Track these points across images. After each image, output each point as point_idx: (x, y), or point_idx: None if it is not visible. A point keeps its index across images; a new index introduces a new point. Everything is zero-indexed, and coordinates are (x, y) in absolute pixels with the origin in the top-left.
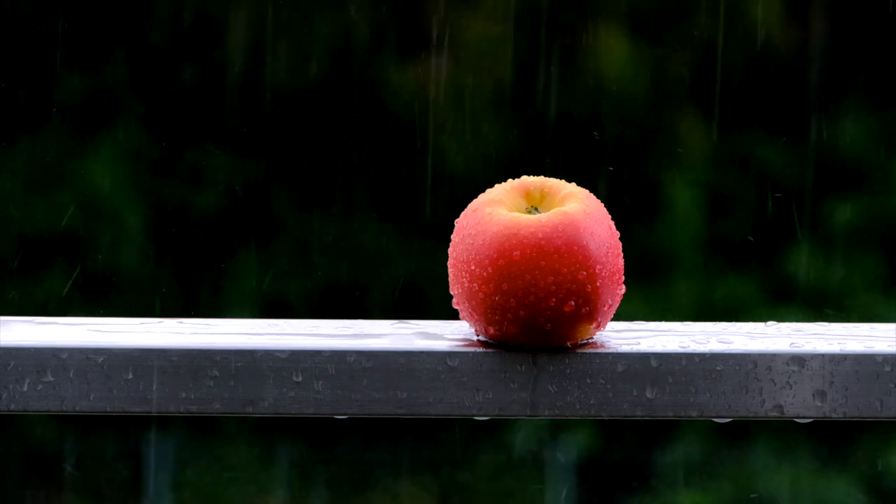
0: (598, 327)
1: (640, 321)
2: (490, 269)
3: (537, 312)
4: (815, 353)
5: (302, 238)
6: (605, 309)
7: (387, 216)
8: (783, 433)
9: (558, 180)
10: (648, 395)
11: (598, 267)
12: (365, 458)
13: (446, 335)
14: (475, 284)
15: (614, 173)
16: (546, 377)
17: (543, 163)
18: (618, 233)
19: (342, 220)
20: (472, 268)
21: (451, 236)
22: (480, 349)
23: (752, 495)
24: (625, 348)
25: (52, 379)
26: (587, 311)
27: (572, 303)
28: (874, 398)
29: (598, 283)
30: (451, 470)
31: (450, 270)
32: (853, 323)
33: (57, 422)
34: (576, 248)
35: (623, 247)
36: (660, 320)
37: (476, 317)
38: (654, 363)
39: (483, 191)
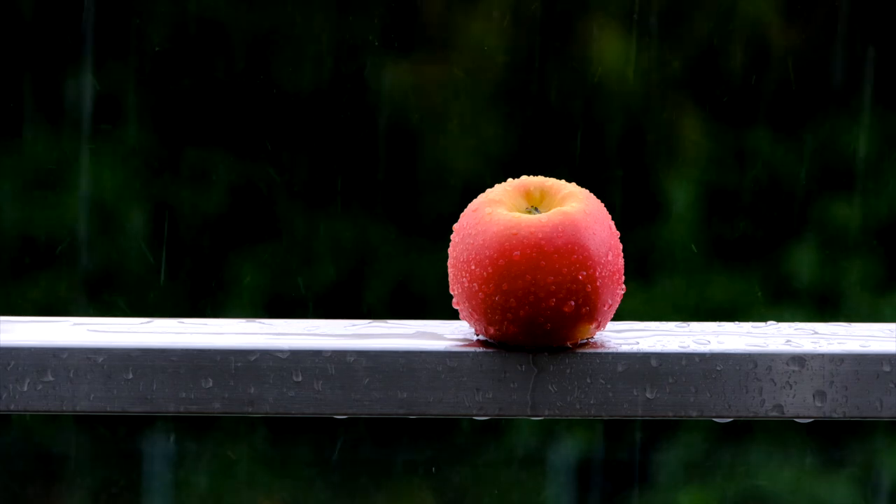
0: (598, 327)
1: (640, 321)
2: (490, 269)
3: (537, 312)
4: (815, 353)
5: (302, 238)
6: (605, 309)
7: (386, 216)
8: (783, 433)
9: (558, 180)
10: (648, 395)
11: (599, 267)
12: (365, 458)
13: (446, 335)
14: (475, 284)
15: (614, 172)
16: (546, 377)
17: (543, 162)
18: (618, 233)
19: (342, 219)
20: (473, 268)
21: (451, 236)
22: (480, 349)
23: (751, 495)
24: (625, 348)
25: (52, 379)
26: (587, 311)
27: (572, 303)
28: (874, 398)
29: (598, 283)
30: (451, 470)
31: (450, 270)
32: (853, 323)
33: (57, 422)
34: (576, 248)
35: (623, 246)
36: (660, 320)
37: (476, 317)
38: (654, 363)
39: (483, 191)
